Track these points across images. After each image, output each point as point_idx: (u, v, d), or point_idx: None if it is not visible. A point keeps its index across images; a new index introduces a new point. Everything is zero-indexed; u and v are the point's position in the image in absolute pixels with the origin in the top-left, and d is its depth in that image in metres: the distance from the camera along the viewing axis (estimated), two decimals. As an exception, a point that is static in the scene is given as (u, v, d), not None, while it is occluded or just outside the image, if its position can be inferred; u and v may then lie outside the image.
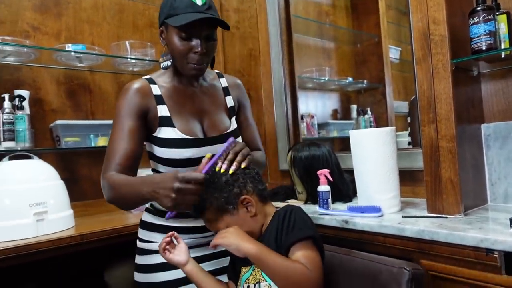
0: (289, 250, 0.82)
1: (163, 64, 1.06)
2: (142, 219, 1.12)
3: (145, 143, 1.07)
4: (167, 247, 0.95)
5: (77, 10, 1.77)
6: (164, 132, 1.02)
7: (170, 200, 0.81)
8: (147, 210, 1.12)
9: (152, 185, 0.85)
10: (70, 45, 1.59)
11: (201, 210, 0.91)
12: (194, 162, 0.99)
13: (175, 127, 1.02)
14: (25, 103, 1.50)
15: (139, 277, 1.07)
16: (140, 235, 1.10)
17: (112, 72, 1.84)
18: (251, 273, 0.89)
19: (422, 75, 1.12)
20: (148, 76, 1.08)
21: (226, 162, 0.89)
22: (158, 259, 1.02)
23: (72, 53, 1.59)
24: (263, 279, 0.86)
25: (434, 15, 1.09)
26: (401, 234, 0.99)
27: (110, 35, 1.85)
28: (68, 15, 1.74)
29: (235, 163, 0.89)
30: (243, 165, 0.90)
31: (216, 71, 1.19)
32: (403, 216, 1.09)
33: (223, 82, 1.17)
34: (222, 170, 0.88)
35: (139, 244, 1.09)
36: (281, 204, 1.10)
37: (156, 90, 1.04)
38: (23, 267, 1.31)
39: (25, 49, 1.51)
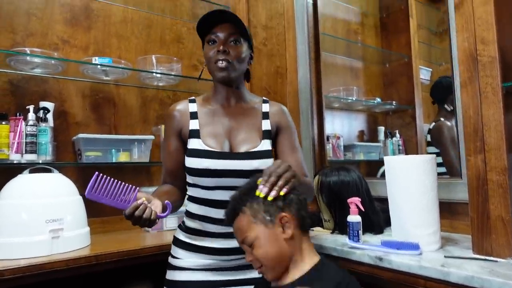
0: None
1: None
2: (174, 235, 1.17)
3: None
4: None
5: (107, 24, 1.77)
6: (191, 143, 1.07)
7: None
8: (179, 226, 1.17)
9: None
10: (96, 58, 1.58)
11: (237, 212, 0.87)
12: (213, 173, 1.03)
13: (200, 139, 1.07)
14: (49, 115, 1.48)
15: None
16: (171, 251, 1.15)
17: (137, 86, 1.82)
18: None
19: (468, 99, 1.03)
20: (193, 97, 1.17)
21: (267, 185, 0.85)
22: (182, 276, 1.07)
23: (99, 66, 1.57)
24: None
25: (482, 35, 1.00)
26: (445, 278, 0.87)
27: (138, 49, 1.84)
28: (97, 28, 1.74)
29: (276, 188, 0.84)
30: (282, 192, 0.84)
31: (263, 98, 1.22)
32: (445, 256, 0.98)
33: (265, 107, 1.17)
34: (261, 195, 0.83)
35: (169, 259, 1.14)
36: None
37: (193, 107, 1.13)
38: (34, 287, 1.26)
39: (53, 61, 1.50)
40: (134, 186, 0.90)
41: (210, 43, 1.07)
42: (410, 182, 1.07)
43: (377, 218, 1.33)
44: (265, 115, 1.15)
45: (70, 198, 1.35)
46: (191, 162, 1.05)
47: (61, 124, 1.62)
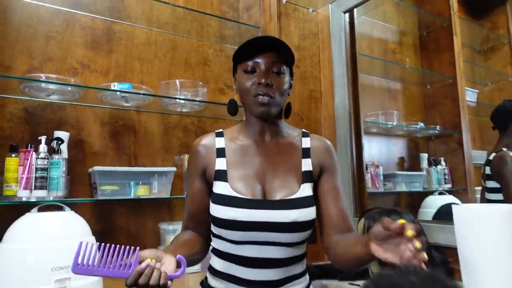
0: None
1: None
2: None
3: None
4: None
5: (129, 47, 1.66)
6: (217, 187, 0.92)
7: None
8: (201, 284, 1.00)
9: None
10: (116, 83, 1.45)
11: None
12: (241, 225, 0.86)
13: (227, 182, 0.91)
14: (63, 146, 1.36)
15: None
16: None
17: (160, 112, 1.69)
18: None
19: None
20: (220, 130, 1.03)
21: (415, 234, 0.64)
22: None
23: (118, 92, 1.45)
24: None
25: None
26: None
27: (161, 73, 1.72)
28: (119, 51, 1.63)
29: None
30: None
31: (303, 130, 1.04)
32: None
33: (306, 142, 0.99)
34: (418, 246, 0.64)
35: None
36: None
37: (220, 143, 0.97)
38: None
39: (69, 88, 1.39)
40: (133, 247, 0.72)
41: (247, 72, 0.92)
42: (493, 241, 0.84)
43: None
44: (306, 153, 0.97)
45: (81, 240, 1.20)
46: (216, 210, 0.89)
47: (77, 154, 1.49)
